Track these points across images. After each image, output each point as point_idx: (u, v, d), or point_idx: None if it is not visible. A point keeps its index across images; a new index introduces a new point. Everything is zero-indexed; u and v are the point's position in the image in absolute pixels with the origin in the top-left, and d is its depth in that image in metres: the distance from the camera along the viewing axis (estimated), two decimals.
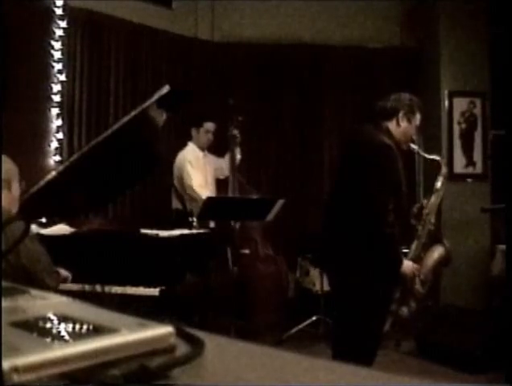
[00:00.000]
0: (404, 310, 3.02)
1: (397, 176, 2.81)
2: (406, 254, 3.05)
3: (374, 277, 2.75)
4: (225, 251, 4.17)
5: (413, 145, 3.06)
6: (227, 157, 4.84)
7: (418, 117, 3.00)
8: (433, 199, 3.14)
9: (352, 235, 2.80)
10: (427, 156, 3.27)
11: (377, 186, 2.73)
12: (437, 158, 3.31)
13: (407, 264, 2.90)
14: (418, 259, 3.05)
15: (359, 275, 2.76)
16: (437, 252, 3.16)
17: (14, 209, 2.35)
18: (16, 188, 2.42)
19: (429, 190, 3.29)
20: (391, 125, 2.94)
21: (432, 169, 3.36)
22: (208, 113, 5.10)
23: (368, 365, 2.67)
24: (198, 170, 4.78)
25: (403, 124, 2.95)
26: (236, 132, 4.68)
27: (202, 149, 4.91)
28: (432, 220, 3.12)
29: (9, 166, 2.40)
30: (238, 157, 4.80)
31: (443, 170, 3.19)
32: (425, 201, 3.15)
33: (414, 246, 3.09)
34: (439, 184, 3.17)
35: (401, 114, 2.94)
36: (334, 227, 2.94)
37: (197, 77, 5.75)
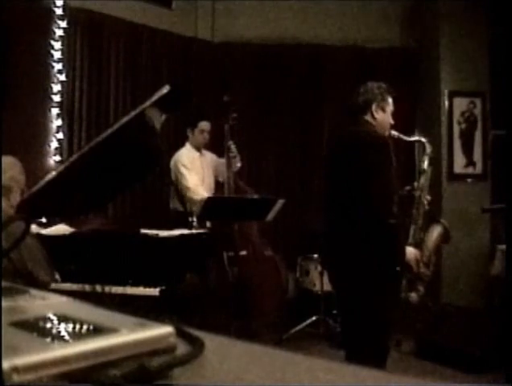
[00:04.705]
0: (413, 296, 3.02)
1: (393, 166, 2.80)
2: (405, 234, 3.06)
3: (381, 267, 2.72)
4: (220, 252, 4.17)
5: (394, 132, 3.03)
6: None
7: (390, 102, 2.96)
8: (422, 180, 3.13)
9: (356, 229, 2.77)
10: (409, 139, 3.25)
11: (384, 178, 2.71)
12: (421, 139, 3.30)
13: (409, 251, 2.90)
14: (418, 242, 3.05)
15: (366, 268, 2.73)
16: (436, 232, 3.16)
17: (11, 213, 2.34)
18: (15, 197, 2.41)
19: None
20: (368, 118, 2.92)
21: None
22: (207, 113, 5.09)
23: (383, 360, 2.68)
24: (193, 170, 4.77)
25: (378, 115, 2.91)
26: (231, 144, 4.69)
27: (198, 149, 4.90)
28: (425, 201, 3.12)
29: (12, 175, 2.39)
30: (238, 165, 4.80)
31: (428, 149, 3.18)
32: (415, 184, 3.15)
33: (412, 230, 3.08)
34: (425, 164, 3.16)
35: (374, 106, 2.90)
36: (336, 224, 2.92)
37: (197, 77, 5.75)
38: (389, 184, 2.72)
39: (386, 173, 2.73)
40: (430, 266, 3.09)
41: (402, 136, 3.10)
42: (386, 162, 2.74)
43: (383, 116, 2.93)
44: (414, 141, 3.32)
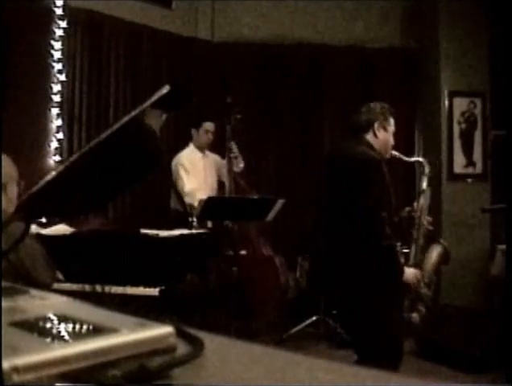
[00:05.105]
0: (415, 317, 3.01)
1: (387, 189, 2.80)
2: (406, 254, 3.05)
3: (378, 289, 2.72)
4: (223, 251, 4.17)
5: (394, 152, 3.04)
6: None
7: (392, 122, 2.98)
8: (421, 200, 3.13)
9: (351, 252, 2.77)
10: (408, 159, 3.25)
11: (372, 200, 2.71)
12: (419, 159, 3.31)
13: (409, 272, 2.89)
14: (418, 262, 3.05)
15: (363, 290, 2.73)
16: (436, 252, 3.16)
17: (11, 210, 2.34)
18: (12, 190, 2.41)
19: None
20: (370, 137, 2.93)
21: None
22: (208, 113, 5.10)
23: (394, 362, 2.67)
24: (193, 172, 4.77)
25: (380, 134, 2.92)
26: (233, 144, 4.70)
27: (201, 150, 4.91)
28: (425, 222, 3.11)
29: (4, 170, 2.39)
30: (241, 165, 4.81)
31: (427, 170, 3.18)
32: (415, 204, 3.14)
33: (413, 251, 3.08)
34: (424, 185, 3.16)
35: (376, 125, 2.91)
36: (331, 247, 2.91)
37: (197, 77, 5.75)
38: (379, 208, 2.71)
39: (377, 196, 2.73)
40: (431, 286, 3.09)
41: (402, 156, 3.10)
42: (377, 185, 2.74)
43: (385, 135, 2.94)
44: (414, 161, 3.32)
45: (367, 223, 2.71)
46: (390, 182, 2.83)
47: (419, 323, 3.06)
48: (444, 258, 3.20)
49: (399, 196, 3.06)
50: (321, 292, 4.71)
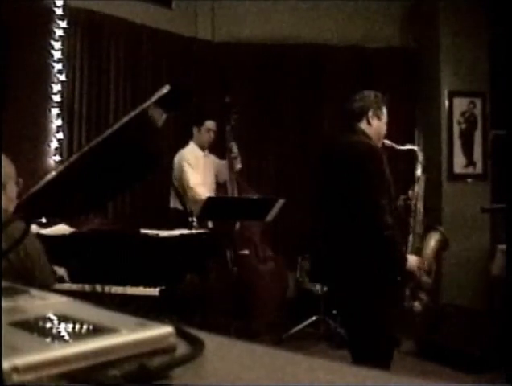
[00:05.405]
0: (417, 305, 3.01)
1: (386, 178, 2.80)
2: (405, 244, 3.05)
3: (380, 280, 2.72)
4: (224, 251, 4.17)
5: (386, 141, 3.04)
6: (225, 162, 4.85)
7: (385, 111, 2.98)
8: (417, 188, 3.14)
9: (352, 242, 2.76)
10: (402, 148, 3.24)
11: (374, 190, 2.71)
12: (413, 147, 3.32)
13: (411, 260, 2.89)
14: (417, 250, 3.05)
15: (365, 282, 2.73)
16: (434, 239, 3.16)
17: (11, 209, 2.34)
18: (11, 190, 2.41)
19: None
20: (363, 126, 2.93)
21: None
22: (208, 113, 5.10)
23: (386, 363, 2.68)
24: (197, 169, 4.77)
25: (374, 122, 2.93)
26: (233, 145, 4.70)
27: (203, 148, 4.91)
28: (421, 210, 3.12)
29: (4, 169, 2.39)
30: (239, 166, 4.82)
31: (420, 157, 3.19)
32: (410, 192, 3.14)
33: (411, 239, 3.08)
34: (418, 172, 3.17)
35: (370, 113, 2.92)
36: (331, 238, 2.91)
37: (197, 77, 5.75)
38: (380, 197, 2.71)
39: (377, 185, 2.73)
40: (431, 275, 3.08)
41: (394, 145, 3.11)
42: (378, 174, 2.74)
43: (379, 124, 2.95)
44: (407, 149, 3.33)
45: (368, 212, 2.70)
46: (389, 171, 2.83)
47: (422, 311, 3.06)
48: (443, 244, 3.20)
49: (398, 186, 3.04)
50: (324, 283, 4.68)
